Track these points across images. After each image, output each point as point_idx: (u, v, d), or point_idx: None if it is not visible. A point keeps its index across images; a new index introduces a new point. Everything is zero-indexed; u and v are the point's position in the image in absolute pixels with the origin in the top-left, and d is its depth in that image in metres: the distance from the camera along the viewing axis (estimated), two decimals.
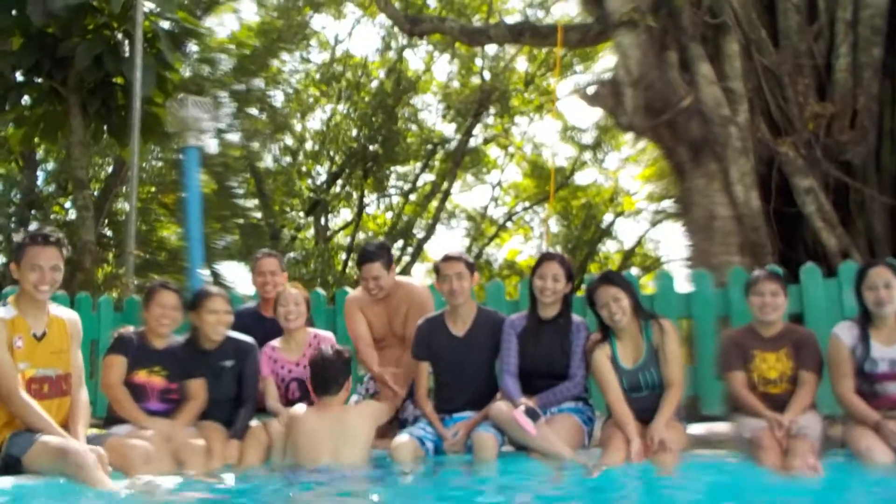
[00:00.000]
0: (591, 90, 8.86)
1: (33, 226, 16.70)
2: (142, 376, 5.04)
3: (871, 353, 4.68)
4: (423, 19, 11.62)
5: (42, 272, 4.37)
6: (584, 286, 6.68)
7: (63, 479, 4.01)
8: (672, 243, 31.25)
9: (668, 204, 19.51)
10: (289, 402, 5.37)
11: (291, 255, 20.89)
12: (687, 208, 8.59)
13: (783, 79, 8.68)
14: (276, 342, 5.61)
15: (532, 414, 4.72)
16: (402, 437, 4.96)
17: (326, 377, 4.95)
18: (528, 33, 10.68)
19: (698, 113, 8.35)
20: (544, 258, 5.27)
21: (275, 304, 5.68)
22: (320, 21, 23.18)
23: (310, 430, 4.85)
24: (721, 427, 5.74)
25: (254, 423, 5.17)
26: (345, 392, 5.04)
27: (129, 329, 5.28)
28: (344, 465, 4.69)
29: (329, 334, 5.75)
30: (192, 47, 16.38)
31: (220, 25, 20.40)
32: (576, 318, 5.21)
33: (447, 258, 5.29)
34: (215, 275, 19.63)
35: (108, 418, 5.06)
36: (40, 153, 17.43)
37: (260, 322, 5.95)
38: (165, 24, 9.73)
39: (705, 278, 6.79)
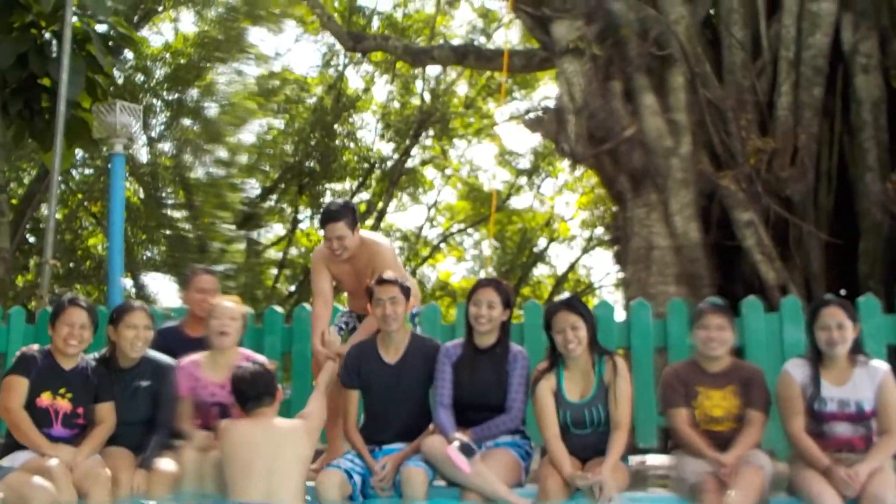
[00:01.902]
0: (533, 116, 8.75)
1: None
2: (46, 399, 4.65)
3: (822, 393, 4.55)
4: (366, 37, 11.47)
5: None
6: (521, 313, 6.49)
7: None
8: (603, 269, 31.55)
9: (601, 231, 19.63)
10: (207, 429, 4.97)
11: (220, 268, 20.38)
12: (626, 237, 8.54)
13: (726, 113, 8.71)
14: (199, 357, 5.17)
15: (466, 450, 4.47)
16: (328, 471, 4.68)
17: (257, 390, 4.58)
18: (472, 56, 10.60)
19: (641, 143, 8.33)
20: (479, 284, 5.02)
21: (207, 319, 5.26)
22: (258, 35, 22.67)
23: (244, 436, 4.44)
24: (656, 460, 5.62)
25: None
26: (277, 403, 4.70)
27: (34, 347, 4.87)
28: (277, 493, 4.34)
29: (263, 359, 5.30)
30: (128, 54, 15.94)
31: (157, 34, 20.00)
32: (514, 346, 4.98)
33: (381, 281, 5.02)
34: (139, 286, 19.08)
35: (6, 444, 4.66)
36: None
37: (183, 342, 5.50)
38: (100, 27, 9.34)
39: (644, 308, 6.66)
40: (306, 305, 7.27)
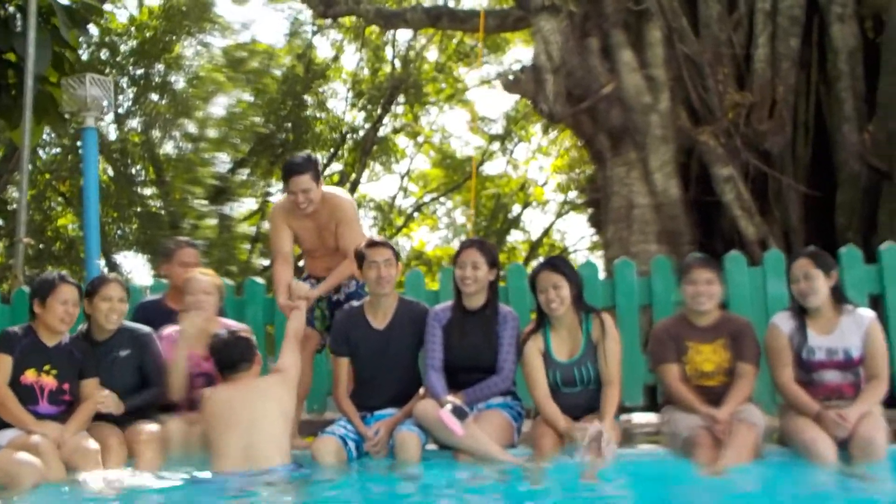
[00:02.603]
0: (511, 77, 8.64)
1: None
2: (30, 376, 4.56)
3: (809, 342, 4.53)
4: (338, 1, 11.25)
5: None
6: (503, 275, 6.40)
7: None
8: (577, 233, 31.64)
9: (575, 194, 19.61)
10: (192, 401, 4.90)
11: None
12: (606, 197, 8.49)
13: (703, 68, 8.65)
14: (183, 331, 5.07)
15: (459, 412, 4.43)
16: (323, 438, 4.64)
17: (232, 356, 4.57)
18: (445, 18, 10.46)
19: (619, 100, 8.26)
20: (463, 245, 4.96)
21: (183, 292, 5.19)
22: (224, 5, 22.32)
23: (224, 398, 4.44)
24: (642, 418, 5.61)
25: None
26: (257, 367, 4.68)
27: (16, 327, 4.76)
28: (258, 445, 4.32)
29: (244, 327, 5.23)
30: (92, 29, 15.61)
31: (122, 8, 19.61)
32: (503, 307, 4.93)
33: (373, 244, 4.93)
34: (113, 265, 18.85)
35: None
36: None
37: (166, 315, 5.40)
38: (63, 0, 9.07)
39: (628, 267, 6.62)
40: (257, 279, 7.18)
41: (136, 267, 19.95)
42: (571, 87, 8.34)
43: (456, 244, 25.87)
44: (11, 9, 8.67)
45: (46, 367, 4.60)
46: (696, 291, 4.68)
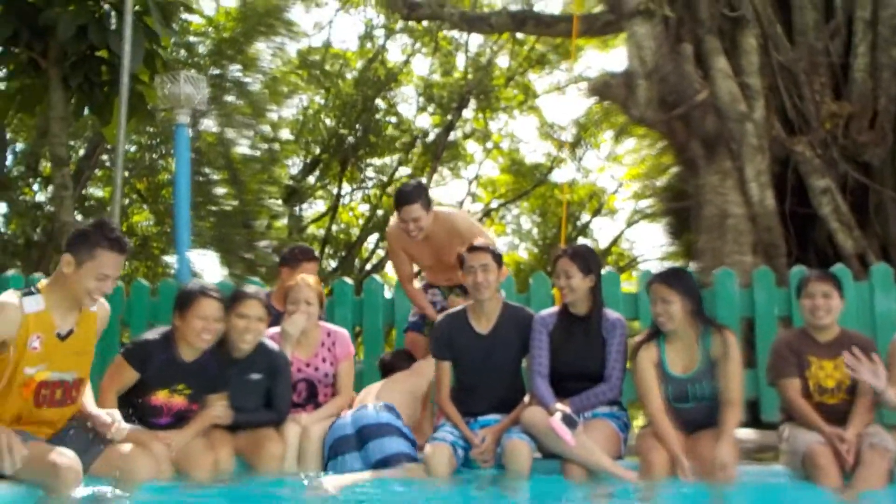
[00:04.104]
0: (601, 82, 8.52)
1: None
2: (161, 398, 4.40)
3: None
4: (421, 4, 11.20)
5: (107, 281, 3.84)
6: None
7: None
8: (647, 243, 31.27)
9: (644, 204, 19.34)
10: (293, 405, 4.88)
11: (264, 244, 20.36)
12: (698, 205, 8.30)
13: (799, 76, 8.44)
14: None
15: (569, 421, 4.32)
16: (437, 444, 4.54)
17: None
18: (531, 22, 10.35)
19: (713, 108, 8.08)
20: (556, 256, 4.89)
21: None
22: (299, 10, 22.44)
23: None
24: (745, 434, 5.45)
25: None
26: None
27: (156, 334, 4.53)
28: None
29: (343, 331, 5.25)
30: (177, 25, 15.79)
31: (197, 10, 19.84)
32: (610, 314, 4.81)
33: (473, 248, 4.87)
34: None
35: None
36: (10, 133, 16.75)
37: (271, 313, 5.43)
38: None
39: (729, 277, 6.46)
40: (376, 277, 7.18)
41: (208, 264, 20.13)
42: (664, 93, 8.19)
43: (522, 251, 25.84)
44: (106, 6, 8.79)
45: (180, 387, 4.42)
46: (814, 305, 4.53)
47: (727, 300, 6.32)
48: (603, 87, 8.66)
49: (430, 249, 5.65)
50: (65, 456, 3.63)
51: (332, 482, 4.16)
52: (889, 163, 8.23)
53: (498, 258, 4.89)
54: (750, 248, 7.80)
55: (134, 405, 4.39)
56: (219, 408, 4.47)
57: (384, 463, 4.39)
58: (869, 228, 8.10)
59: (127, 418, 4.24)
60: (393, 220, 5.79)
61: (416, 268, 6.09)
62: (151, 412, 4.39)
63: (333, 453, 4.55)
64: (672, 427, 4.38)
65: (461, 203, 25.21)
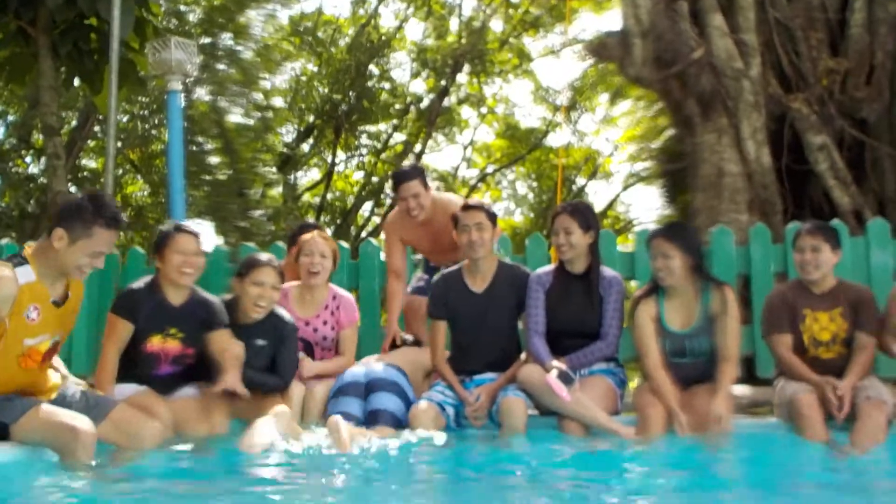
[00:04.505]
0: (595, 41, 8.44)
1: None
2: (155, 343, 4.35)
3: None
4: None
5: (100, 258, 3.75)
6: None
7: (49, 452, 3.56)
8: (643, 205, 31.27)
9: (642, 165, 19.27)
10: None
11: (259, 212, 20.31)
12: (694, 164, 8.26)
13: (796, 32, 8.37)
14: (289, 288, 5.06)
15: (565, 378, 4.31)
16: (421, 404, 4.54)
17: None
18: None
19: (710, 65, 8.02)
20: (555, 212, 4.84)
21: (296, 252, 5.15)
22: None
23: None
24: (738, 391, 5.43)
25: None
26: None
27: (141, 282, 4.46)
28: None
29: (350, 297, 5.24)
30: None
31: None
32: (607, 271, 4.79)
33: (467, 207, 4.84)
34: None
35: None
36: (1, 105, 16.66)
37: None
38: None
39: (726, 235, 6.43)
40: (372, 240, 7.14)
41: (204, 233, 20.08)
42: (660, 52, 8.12)
43: (518, 216, 25.81)
44: None
45: (172, 331, 4.38)
46: (802, 259, 4.48)
47: (724, 257, 6.29)
48: (599, 47, 8.59)
49: (428, 234, 5.66)
50: (82, 420, 3.59)
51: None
52: (885, 118, 8.18)
53: (492, 217, 4.85)
54: (746, 206, 7.77)
55: (133, 360, 4.34)
56: (237, 348, 4.41)
57: (373, 415, 4.43)
58: (865, 184, 8.07)
59: (128, 376, 4.26)
60: (392, 214, 5.85)
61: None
62: (149, 362, 4.35)
63: (337, 394, 4.59)
64: (669, 381, 4.37)
65: (456, 168, 25.17)
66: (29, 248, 3.78)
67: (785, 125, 8.12)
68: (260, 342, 4.60)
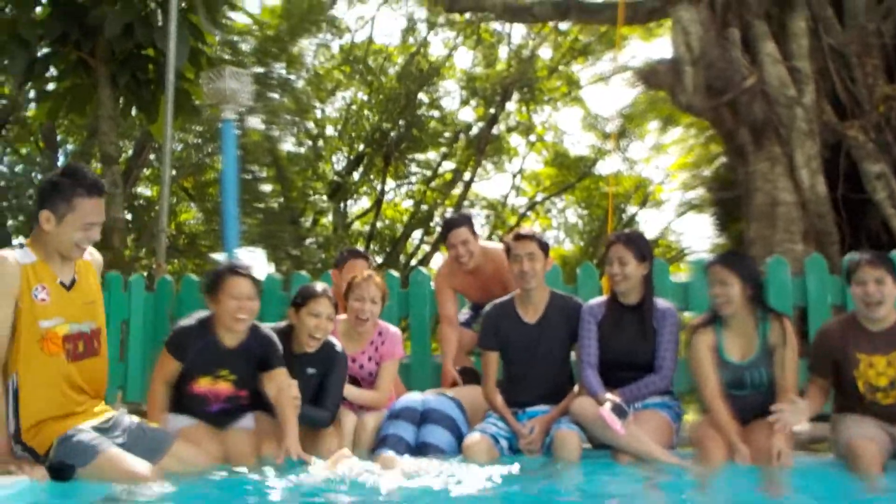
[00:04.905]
0: (647, 68, 8.41)
1: None
2: (204, 385, 4.30)
3: None
4: None
5: (93, 229, 3.66)
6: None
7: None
8: (695, 234, 30.97)
9: (691, 195, 19.09)
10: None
11: (310, 240, 20.49)
12: (747, 193, 8.16)
13: (850, 59, 8.26)
14: (336, 323, 4.96)
15: (619, 411, 4.25)
16: (475, 436, 4.51)
17: None
18: (574, 10, 10.24)
19: (762, 93, 7.94)
20: (609, 241, 4.81)
21: (346, 290, 5.08)
22: (342, 6, 22.40)
23: None
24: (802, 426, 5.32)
25: None
26: None
27: (193, 319, 4.36)
28: None
29: (396, 332, 5.19)
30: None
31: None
32: (662, 303, 4.74)
33: (519, 236, 4.83)
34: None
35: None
36: (60, 134, 17.04)
37: None
38: None
39: (782, 266, 6.32)
40: (422, 269, 7.15)
41: (256, 262, 20.30)
42: (711, 80, 8.07)
43: (568, 244, 25.69)
44: (152, 5, 8.89)
45: (223, 373, 4.30)
46: (866, 292, 4.23)
47: (779, 288, 6.17)
48: (650, 75, 8.56)
49: (477, 282, 5.74)
50: (143, 465, 3.60)
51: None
52: None
53: (544, 247, 4.83)
54: (801, 236, 7.66)
55: (182, 396, 4.33)
56: (294, 389, 4.37)
57: (422, 446, 4.44)
58: None
59: (181, 408, 4.28)
60: (442, 265, 5.99)
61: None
62: (197, 402, 4.31)
63: (391, 417, 4.62)
64: (728, 413, 4.29)
65: (506, 197, 25.14)
66: (25, 242, 3.76)
67: (841, 153, 8.01)
68: (311, 370, 4.60)
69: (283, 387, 4.33)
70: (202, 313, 4.41)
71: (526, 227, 4.99)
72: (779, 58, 8.05)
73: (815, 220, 7.72)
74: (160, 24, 8.62)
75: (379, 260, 22.86)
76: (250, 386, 4.37)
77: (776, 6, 8.29)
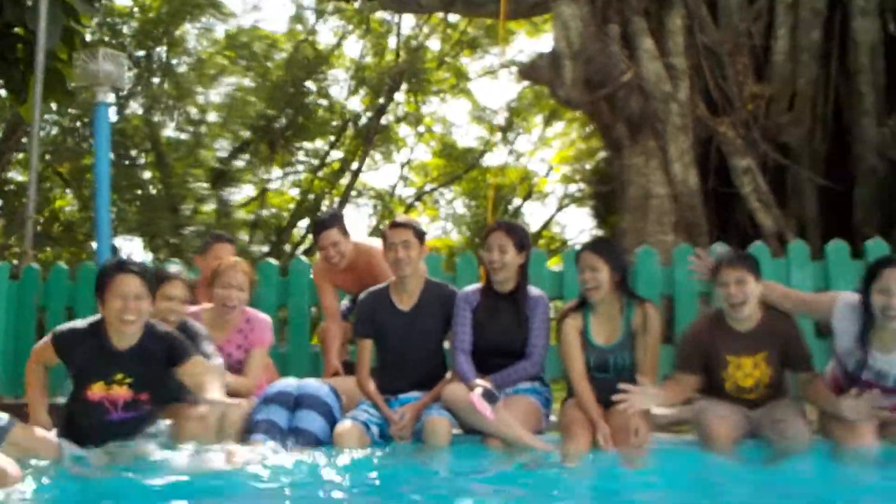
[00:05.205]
0: (527, 62, 8.53)
1: None
2: (98, 391, 3.99)
3: (870, 362, 4.18)
4: None
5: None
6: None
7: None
8: (577, 226, 31.63)
9: (577, 187, 19.50)
10: None
11: (191, 229, 20.03)
12: (622, 186, 8.37)
13: (723, 58, 8.55)
14: (199, 313, 4.92)
15: (489, 396, 4.31)
16: (346, 423, 4.50)
17: None
18: (459, 2, 10.28)
19: (639, 88, 8.14)
20: (490, 228, 4.85)
21: (211, 277, 4.96)
22: None
23: None
24: (659, 409, 5.49)
25: None
26: None
27: (86, 322, 4.11)
28: None
29: (265, 318, 5.10)
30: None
31: None
32: (534, 290, 4.81)
33: (394, 224, 4.83)
34: (112, 248, 18.66)
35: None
36: None
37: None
38: None
39: (650, 256, 6.51)
40: (302, 258, 7.09)
41: (134, 250, 19.74)
42: (590, 74, 8.24)
43: (455, 235, 25.87)
44: None
45: (118, 377, 4.00)
46: (728, 294, 4.31)
47: (648, 278, 6.35)
48: (530, 69, 8.68)
49: (352, 278, 5.73)
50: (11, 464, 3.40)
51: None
52: (806, 143, 8.41)
53: (420, 235, 4.84)
54: (672, 228, 7.91)
55: (78, 406, 4.05)
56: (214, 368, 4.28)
57: (295, 432, 4.40)
58: (787, 208, 8.27)
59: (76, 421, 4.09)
60: (317, 262, 5.95)
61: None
62: (95, 411, 4.01)
63: (267, 400, 4.55)
64: (592, 394, 4.42)
65: (393, 187, 25.13)
66: None
67: (711, 148, 8.30)
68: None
69: (196, 376, 4.10)
70: (97, 316, 4.12)
71: (401, 216, 4.99)
72: (656, 54, 8.28)
73: (686, 212, 7.97)
74: (31, 2, 8.26)
75: (265, 249, 22.56)
76: (151, 387, 4.09)
77: (655, 3, 8.53)
